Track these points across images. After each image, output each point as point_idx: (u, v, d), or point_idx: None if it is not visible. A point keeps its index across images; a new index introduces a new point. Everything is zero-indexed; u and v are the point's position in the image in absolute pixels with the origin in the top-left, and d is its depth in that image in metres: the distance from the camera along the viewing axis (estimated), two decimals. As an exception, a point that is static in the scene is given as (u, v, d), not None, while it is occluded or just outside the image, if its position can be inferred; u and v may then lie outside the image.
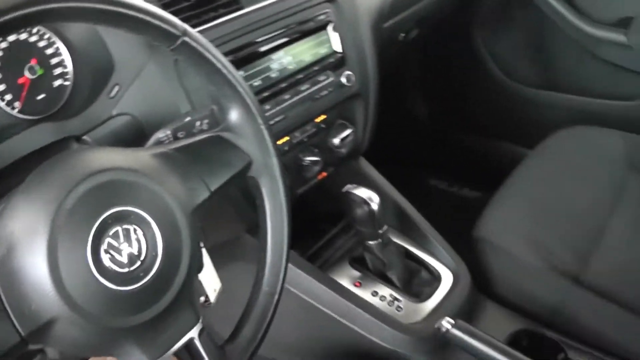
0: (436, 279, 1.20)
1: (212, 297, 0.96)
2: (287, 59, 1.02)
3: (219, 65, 0.69)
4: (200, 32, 0.68)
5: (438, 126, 2.00)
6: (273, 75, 1.00)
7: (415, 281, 1.21)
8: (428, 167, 2.02)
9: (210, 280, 0.96)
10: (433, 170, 2.02)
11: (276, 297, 0.79)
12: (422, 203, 1.31)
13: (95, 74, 0.80)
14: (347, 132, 1.17)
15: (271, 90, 1.00)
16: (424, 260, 1.23)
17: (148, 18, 0.60)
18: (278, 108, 1.01)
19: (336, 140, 1.16)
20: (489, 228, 1.24)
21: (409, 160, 1.96)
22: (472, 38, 1.78)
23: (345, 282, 1.17)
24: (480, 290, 1.21)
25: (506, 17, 1.74)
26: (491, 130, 1.91)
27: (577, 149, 1.45)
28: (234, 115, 0.74)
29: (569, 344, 1.10)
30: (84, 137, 0.79)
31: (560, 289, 1.14)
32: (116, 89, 0.81)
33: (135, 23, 0.60)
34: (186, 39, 0.65)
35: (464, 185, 1.97)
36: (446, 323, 0.98)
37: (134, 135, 0.82)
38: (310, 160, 1.12)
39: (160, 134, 0.79)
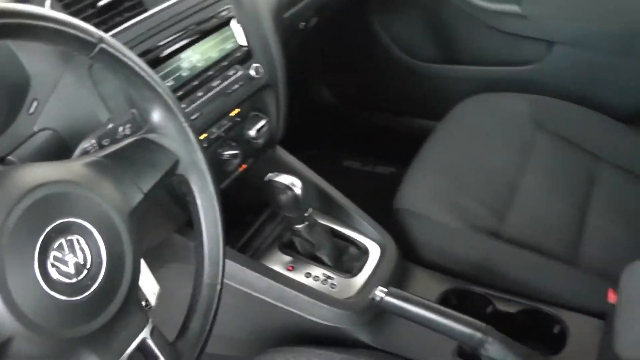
0: (364, 253, 1.24)
1: (152, 301, 0.97)
2: (195, 57, 1.03)
3: (137, 68, 0.70)
4: (109, 38, 0.68)
5: (346, 109, 2.04)
6: (184, 74, 1.01)
7: (344, 258, 1.24)
8: (341, 150, 2.05)
9: (148, 284, 0.97)
10: (346, 152, 2.06)
11: (218, 287, 0.81)
12: (340, 184, 1.34)
13: (12, 91, 0.78)
14: (262, 122, 1.19)
15: (184, 89, 1.01)
16: (350, 237, 1.27)
17: (65, 28, 0.61)
18: (193, 106, 1.02)
19: (252, 132, 1.18)
20: (407, 198, 1.30)
21: (322, 145, 1.99)
22: (369, 21, 1.81)
23: (278, 268, 1.20)
24: (407, 258, 1.25)
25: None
26: (399, 107, 1.96)
27: (484, 114, 1.52)
28: (156, 116, 0.75)
29: (496, 296, 1.17)
30: (9, 157, 0.78)
31: (482, 245, 1.20)
32: (35, 104, 0.80)
33: (53, 34, 0.60)
34: (103, 45, 0.65)
35: (377, 163, 2.01)
36: (380, 292, 1.01)
37: (59, 149, 0.81)
38: (230, 154, 1.14)
39: (85, 144, 0.79)
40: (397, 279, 1.20)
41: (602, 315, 1.11)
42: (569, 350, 1.08)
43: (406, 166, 1.39)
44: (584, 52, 1.65)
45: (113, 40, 0.67)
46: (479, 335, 0.95)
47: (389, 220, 1.30)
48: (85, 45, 0.64)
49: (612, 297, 0.98)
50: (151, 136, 0.75)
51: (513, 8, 1.65)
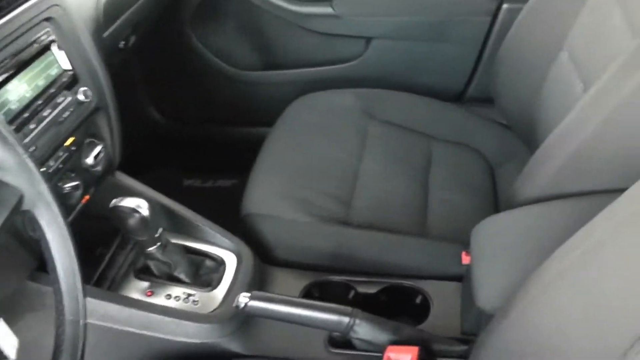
0: (220, 263, 1.25)
1: (13, 354, 0.91)
2: (22, 87, 0.97)
3: None
4: None
5: (177, 127, 2.01)
6: (13, 107, 0.95)
7: (202, 272, 1.24)
8: (180, 169, 2.02)
9: (5, 337, 0.91)
10: (186, 170, 2.03)
11: (82, 322, 0.80)
12: (184, 204, 1.33)
13: None
14: (98, 148, 1.16)
15: (16, 123, 0.95)
16: (204, 250, 1.27)
17: None
18: (27, 140, 0.97)
19: (90, 160, 1.14)
20: (253, 202, 1.31)
21: (161, 165, 1.95)
22: (187, 36, 1.80)
23: (137, 295, 1.17)
24: (264, 261, 1.27)
25: (214, 9, 1.79)
26: (230, 119, 1.96)
27: (314, 112, 1.57)
28: None
29: (355, 281, 1.22)
30: None
31: (333, 235, 1.25)
32: None
33: None
34: None
35: (218, 177, 2.01)
36: (243, 298, 1.03)
37: None
38: (71, 186, 1.09)
39: None
40: (257, 284, 1.22)
41: (460, 278, 1.20)
42: (434, 315, 1.17)
43: (247, 176, 1.40)
44: (402, 43, 1.75)
45: None
46: (346, 319, 0.99)
47: (239, 230, 1.31)
48: None
49: (465, 259, 1.07)
50: None
51: (326, 10, 1.71)
